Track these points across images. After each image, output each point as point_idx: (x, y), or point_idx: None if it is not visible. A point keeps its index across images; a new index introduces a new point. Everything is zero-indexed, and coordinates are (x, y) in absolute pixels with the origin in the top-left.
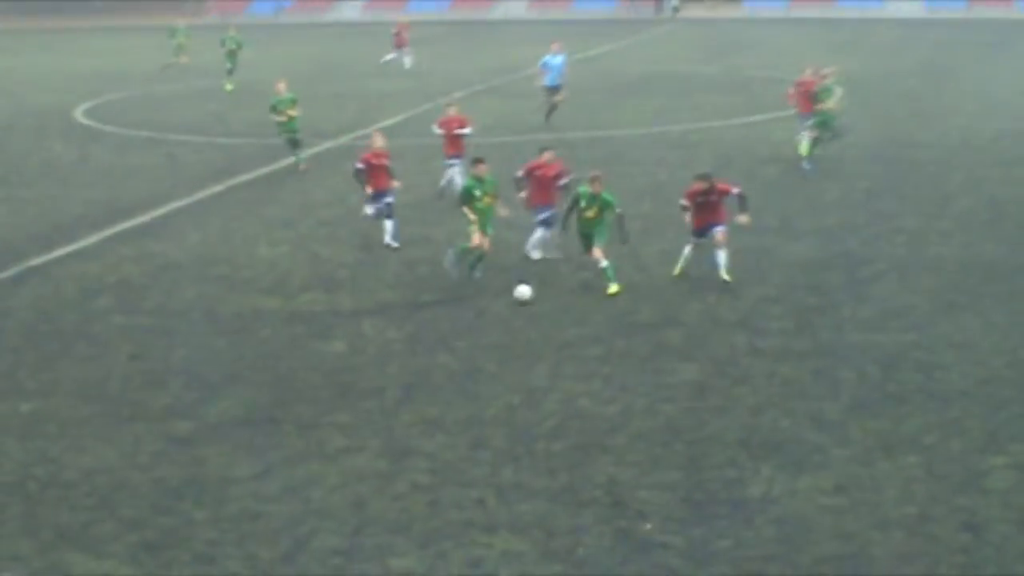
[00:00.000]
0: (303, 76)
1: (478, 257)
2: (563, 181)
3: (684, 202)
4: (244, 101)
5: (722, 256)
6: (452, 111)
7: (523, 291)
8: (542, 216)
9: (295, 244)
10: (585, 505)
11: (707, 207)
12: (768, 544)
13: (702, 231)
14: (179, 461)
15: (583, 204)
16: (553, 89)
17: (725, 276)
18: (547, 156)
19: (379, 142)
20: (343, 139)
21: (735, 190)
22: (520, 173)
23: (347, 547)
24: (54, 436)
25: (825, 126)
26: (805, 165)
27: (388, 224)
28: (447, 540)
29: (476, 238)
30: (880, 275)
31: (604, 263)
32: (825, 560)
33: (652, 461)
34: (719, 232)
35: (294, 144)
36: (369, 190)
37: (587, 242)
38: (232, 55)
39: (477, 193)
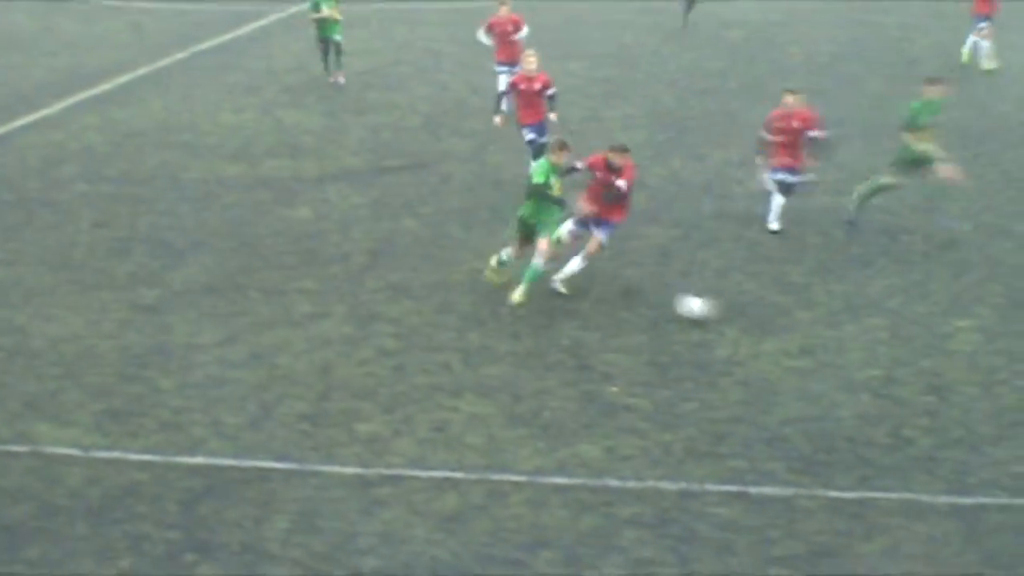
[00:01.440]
0: None
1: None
2: (816, 134)
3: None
4: None
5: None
6: (504, 9)
7: (696, 306)
8: (788, 179)
9: (259, 110)
10: (551, 368)
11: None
12: (733, 406)
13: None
14: (145, 329)
15: (550, 181)
16: None
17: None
18: (792, 100)
19: (532, 62)
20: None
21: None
22: (766, 134)
23: (313, 412)
24: (19, 305)
25: None
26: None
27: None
28: (413, 404)
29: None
30: (845, 139)
31: (543, 263)
32: (790, 421)
33: (617, 324)
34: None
35: (327, 50)
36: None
37: (530, 231)
38: None
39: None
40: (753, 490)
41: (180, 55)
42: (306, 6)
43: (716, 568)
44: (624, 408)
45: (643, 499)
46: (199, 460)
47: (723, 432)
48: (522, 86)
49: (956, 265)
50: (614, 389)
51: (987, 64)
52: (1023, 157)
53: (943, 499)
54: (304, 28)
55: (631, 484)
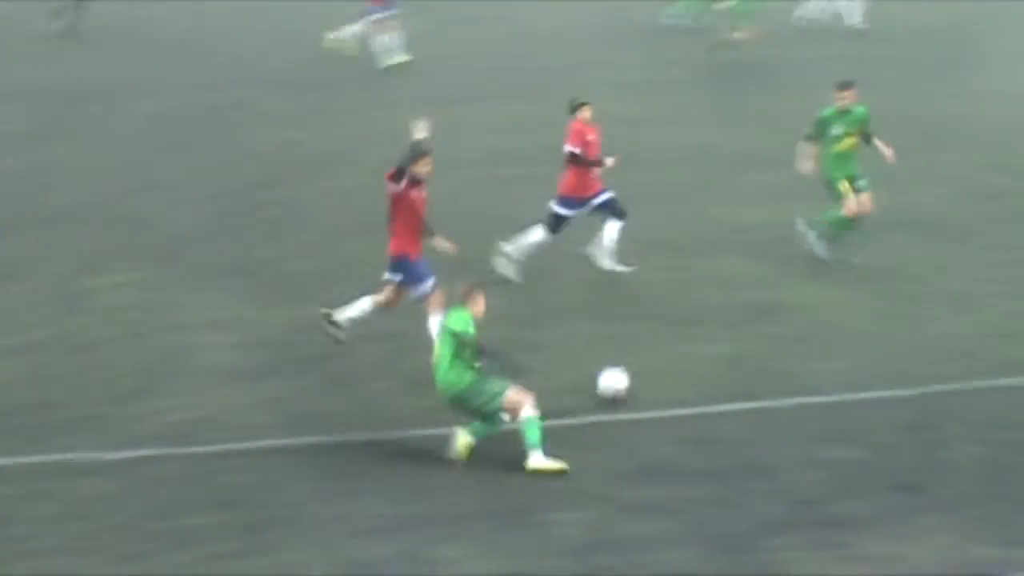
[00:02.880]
0: None
1: None
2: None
3: None
4: None
5: None
6: None
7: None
8: (599, 201)
9: None
10: None
11: None
12: None
13: None
14: None
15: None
16: None
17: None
18: (587, 113)
19: None
20: None
21: None
22: (574, 147)
23: None
24: None
25: None
26: None
27: None
28: None
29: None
30: None
31: (533, 414)
32: None
33: None
34: None
35: None
36: None
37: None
38: None
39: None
40: None
41: None
42: None
43: None
44: None
45: None
46: None
47: None
48: None
49: (98, 222)
50: None
51: (389, 59)
52: None
53: (99, 456)
54: None
55: None
